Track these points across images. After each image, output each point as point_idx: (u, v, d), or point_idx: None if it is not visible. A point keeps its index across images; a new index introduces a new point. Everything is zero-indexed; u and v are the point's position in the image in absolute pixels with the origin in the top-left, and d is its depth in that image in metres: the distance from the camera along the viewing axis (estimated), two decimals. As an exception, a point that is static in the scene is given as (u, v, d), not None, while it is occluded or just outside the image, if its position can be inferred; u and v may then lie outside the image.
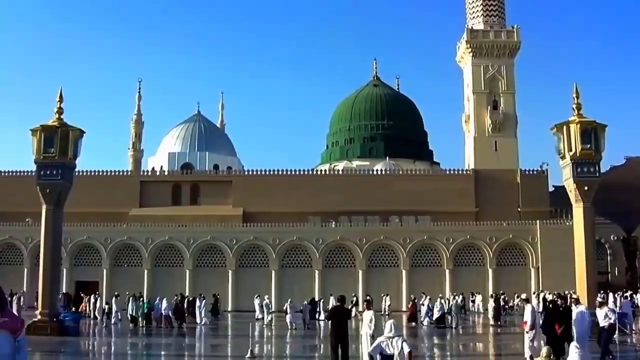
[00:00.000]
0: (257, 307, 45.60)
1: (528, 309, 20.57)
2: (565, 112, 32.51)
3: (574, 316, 18.72)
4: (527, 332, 19.97)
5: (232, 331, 39.67)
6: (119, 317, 39.39)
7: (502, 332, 36.76)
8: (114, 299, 40.98)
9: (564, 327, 19.17)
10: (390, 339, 12.86)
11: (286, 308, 37.77)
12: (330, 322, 18.99)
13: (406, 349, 12.53)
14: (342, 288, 53.23)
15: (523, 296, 24.04)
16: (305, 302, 40.23)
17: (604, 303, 22.36)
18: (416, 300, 44.33)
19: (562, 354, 18.49)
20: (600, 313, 21.38)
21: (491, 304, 43.06)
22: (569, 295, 28.61)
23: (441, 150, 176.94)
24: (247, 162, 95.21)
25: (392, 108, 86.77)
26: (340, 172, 74.65)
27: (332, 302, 22.97)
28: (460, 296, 49.45)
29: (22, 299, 45.39)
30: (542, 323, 19.96)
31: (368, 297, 34.98)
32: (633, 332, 31.31)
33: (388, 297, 51.08)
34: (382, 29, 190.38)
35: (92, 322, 41.65)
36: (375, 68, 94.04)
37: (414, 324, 40.95)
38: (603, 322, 20.91)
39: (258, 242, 59.22)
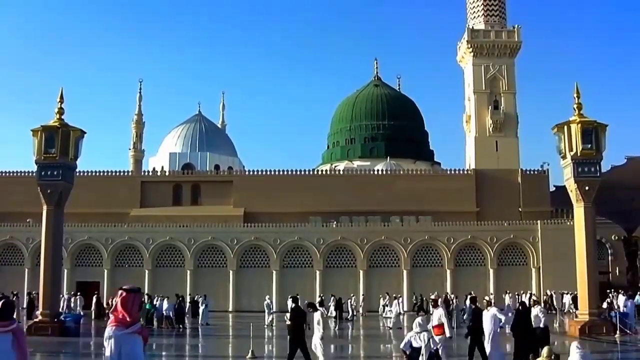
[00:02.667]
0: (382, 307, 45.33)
1: (437, 313, 18.70)
2: (566, 112, 32.57)
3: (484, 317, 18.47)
4: (447, 336, 18.24)
5: (233, 331, 39.68)
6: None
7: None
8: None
9: (471, 328, 19.14)
10: (418, 334, 14.83)
11: (330, 307, 37.54)
12: (290, 323, 19.26)
13: (432, 344, 14.53)
14: (343, 288, 53.44)
15: (432, 296, 22.23)
16: (306, 302, 40.18)
17: (537, 302, 21.73)
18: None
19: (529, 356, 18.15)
20: (532, 313, 20.82)
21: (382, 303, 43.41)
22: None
23: (442, 150, 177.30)
24: (248, 162, 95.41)
25: (393, 108, 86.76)
26: (341, 172, 74.61)
27: (290, 303, 23.39)
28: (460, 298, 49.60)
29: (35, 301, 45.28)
30: (511, 326, 19.46)
31: (321, 297, 35.07)
32: (634, 332, 31.25)
33: (387, 297, 50.97)
34: (383, 29, 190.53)
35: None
36: (376, 68, 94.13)
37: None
38: (535, 324, 20.36)
39: (259, 242, 59.21)
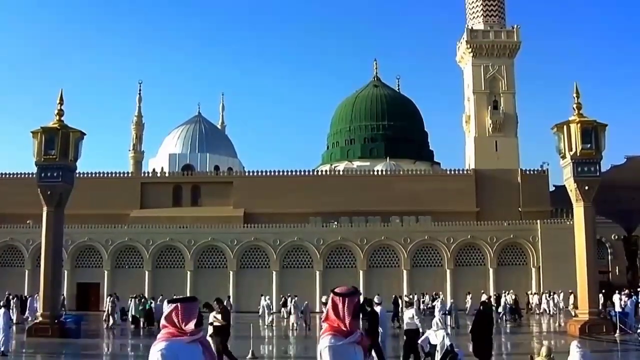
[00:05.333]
0: (292, 308, 45.19)
1: (408, 313, 18.93)
2: (566, 112, 32.61)
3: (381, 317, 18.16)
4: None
5: (232, 332, 39.62)
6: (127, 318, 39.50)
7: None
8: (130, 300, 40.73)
9: (367, 330, 18.89)
10: (435, 332, 15.69)
11: (290, 308, 37.51)
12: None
13: (447, 342, 15.02)
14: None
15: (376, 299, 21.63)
16: (306, 302, 40.23)
17: (410, 304, 21.11)
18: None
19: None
20: (406, 315, 20.06)
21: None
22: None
23: (442, 150, 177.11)
24: (248, 163, 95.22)
25: (393, 108, 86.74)
26: (341, 173, 74.60)
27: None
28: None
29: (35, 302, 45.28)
30: (471, 327, 19.11)
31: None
32: (635, 331, 31.27)
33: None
34: (383, 29, 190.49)
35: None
36: (376, 68, 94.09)
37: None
38: (408, 325, 19.39)
39: (259, 242, 59.23)
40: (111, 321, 38.84)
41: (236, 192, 68.15)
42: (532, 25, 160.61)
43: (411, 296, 45.44)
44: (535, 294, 54.23)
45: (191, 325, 5.22)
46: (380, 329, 18.22)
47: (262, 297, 47.11)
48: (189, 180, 71.07)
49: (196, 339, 5.30)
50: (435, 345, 15.72)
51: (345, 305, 5.50)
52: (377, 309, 18.37)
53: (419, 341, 16.48)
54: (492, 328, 19.52)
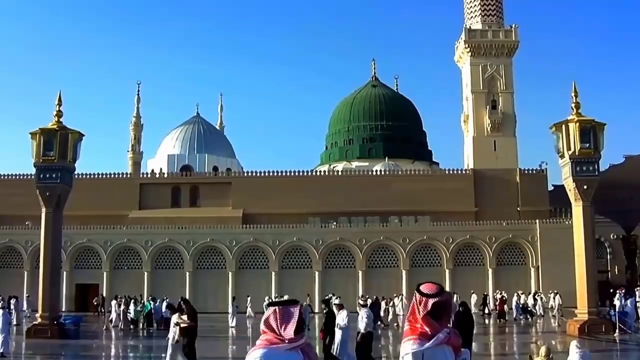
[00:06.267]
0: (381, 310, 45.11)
1: (342, 314, 18.20)
2: (564, 111, 32.60)
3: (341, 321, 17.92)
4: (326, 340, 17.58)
5: (232, 332, 39.65)
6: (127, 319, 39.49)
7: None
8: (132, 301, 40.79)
9: (324, 332, 18.75)
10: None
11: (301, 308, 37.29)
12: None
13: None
14: (342, 289, 53.36)
15: (331, 299, 20.80)
16: (306, 303, 40.24)
17: (364, 306, 20.55)
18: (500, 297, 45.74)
19: None
20: (358, 317, 19.43)
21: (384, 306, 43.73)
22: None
23: (440, 150, 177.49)
24: (247, 164, 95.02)
25: (391, 108, 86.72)
26: (340, 173, 74.57)
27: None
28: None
29: (24, 303, 45.35)
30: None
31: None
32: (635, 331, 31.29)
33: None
34: (381, 29, 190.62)
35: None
36: (374, 68, 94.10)
37: (502, 320, 43.51)
38: (360, 326, 18.87)
39: (258, 243, 59.21)
40: (115, 322, 39.03)
41: (235, 193, 68.12)
42: (531, 25, 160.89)
43: (366, 297, 44.98)
44: (522, 293, 54.38)
45: (290, 331, 4.79)
46: (339, 330, 18.15)
47: (264, 298, 47.10)
48: (188, 181, 71.04)
49: (297, 347, 4.83)
50: None
51: (428, 306, 5.08)
52: (343, 312, 18.22)
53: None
54: (472, 330, 19.42)
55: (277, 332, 4.79)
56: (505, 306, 45.93)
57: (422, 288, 5.19)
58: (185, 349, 18.49)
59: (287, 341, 4.75)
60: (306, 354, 4.88)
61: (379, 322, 38.81)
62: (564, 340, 27.73)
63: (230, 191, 68.35)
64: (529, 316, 45.85)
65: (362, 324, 18.30)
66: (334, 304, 19.93)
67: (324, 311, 20.71)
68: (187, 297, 51.29)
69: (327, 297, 25.19)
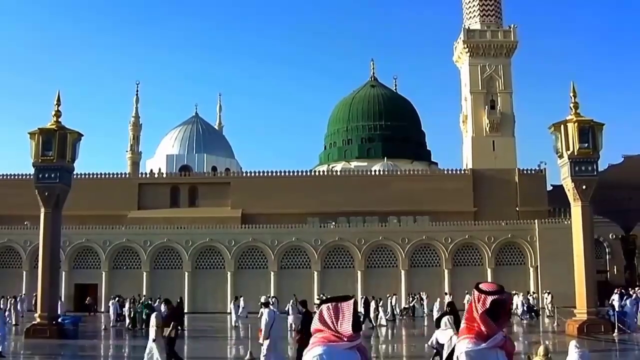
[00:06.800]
0: (289, 309, 45.01)
1: (265, 313, 17.64)
2: (563, 111, 32.61)
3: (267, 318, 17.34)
4: (262, 342, 17.20)
5: (231, 333, 39.66)
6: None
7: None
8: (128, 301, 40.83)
9: (301, 334, 18.32)
10: (443, 331, 15.69)
11: (288, 309, 37.16)
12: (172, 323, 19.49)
13: (454, 341, 14.62)
14: (341, 289, 53.30)
15: (262, 299, 19.56)
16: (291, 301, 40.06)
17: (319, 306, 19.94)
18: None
19: None
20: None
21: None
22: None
23: (439, 150, 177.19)
24: (246, 164, 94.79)
25: (390, 108, 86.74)
26: (339, 173, 74.57)
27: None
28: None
29: (19, 303, 45.29)
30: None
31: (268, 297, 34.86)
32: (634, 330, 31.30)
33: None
34: (379, 29, 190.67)
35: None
36: (373, 69, 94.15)
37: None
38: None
39: (257, 243, 59.18)
40: (113, 322, 39.07)
41: (234, 193, 68.11)
42: (529, 25, 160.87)
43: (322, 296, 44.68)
44: (516, 294, 54.49)
45: (348, 327, 4.56)
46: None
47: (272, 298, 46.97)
48: (187, 181, 71.01)
49: (355, 345, 4.61)
50: (443, 345, 15.83)
51: (486, 303, 4.88)
52: (266, 309, 17.80)
53: (428, 343, 16.63)
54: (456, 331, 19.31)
55: (334, 328, 4.59)
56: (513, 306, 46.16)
57: (482, 286, 5.06)
58: (169, 344, 18.47)
59: (345, 339, 4.55)
60: (363, 353, 4.70)
61: (370, 323, 38.93)
62: (563, 340, 27.72)
63: (229, 191, 68.34)
64: (534, 315, 46.02)
65: None
66: (315, 304, 19.81)
67: (302, 312, 20.71)
68: (186, 297, 51.58)
69: (321, 297, 25.13)
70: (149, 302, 39.89)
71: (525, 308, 46.47)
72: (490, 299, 4.88)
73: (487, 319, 4.82)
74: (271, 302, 19.68)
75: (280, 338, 17.88)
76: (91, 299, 53.97)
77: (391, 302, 47.80)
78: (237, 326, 40.37)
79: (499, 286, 5.04)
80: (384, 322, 41.96)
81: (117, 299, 42.87)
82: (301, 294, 46.22)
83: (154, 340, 18.38)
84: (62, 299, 46.11)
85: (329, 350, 4.49)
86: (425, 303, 50.98)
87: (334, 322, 4.57)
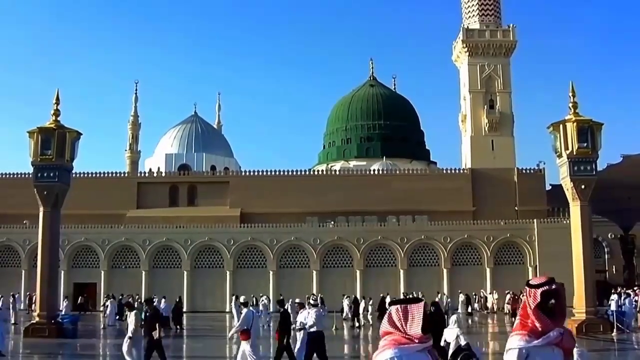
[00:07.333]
0: (345, 307, 45.13)
1: (243, 314, 17.39)
2: (562, 111, 32.58)
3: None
4: (246, 341, 16.98)
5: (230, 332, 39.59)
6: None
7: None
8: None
9: (280, 332, 18.56)
10: (450, 329, 15.57)
11: (287, 308, 37.14)
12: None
13: (462, 341, 14.87)
14: (340, 288, 53.41)
15: (241, 299, 19.26)
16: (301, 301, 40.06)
17: (314, 305, 19.55)
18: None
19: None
20: (300, 317, 18.70)
21: (347, 304, 44.34)
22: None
23: (438, 149, 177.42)
24: (244, 163, 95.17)
25: (389, 108, 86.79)
26: (338, 172, 74.61)
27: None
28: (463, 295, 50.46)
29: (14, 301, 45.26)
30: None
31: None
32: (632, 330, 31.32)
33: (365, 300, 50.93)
34: (379, 28, 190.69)
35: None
36: (372, 68, 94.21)
37: (515, 319, 42.42)
38: (310, 327, 17.99)
39: (255, 242, 59.18)
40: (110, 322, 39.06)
41: (233, 192, 68.11)
42: (528, 25, 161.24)
43: (317, 297, 44.22)
44: (490, 293, 54.98)
45: (418, 329, 4.45)
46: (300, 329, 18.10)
47: (261, 297, 47.07)
48: (186, 180, 71.00)
49: (426, 348, 4.51)
50: (449, 343, 15.89)
51: (537, 297, 4.67)
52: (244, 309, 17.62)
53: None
54: (442, 331, 19.30)
55: (403, 330, 4.50)
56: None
57: (531, 281, 4.85)
58: (154, 344, 18.41)
59: (416, 341, 4.46)
60: (434, 356, 4.59)
61: (356, 322, 38.96)
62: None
63: (228, 190, 68.35)
64: None
65: (310, 324, 17.87)
66: (296, 303, 19.77)
67: (280, 311, 20.69)
68: (185, 296, 51.53)
69: (313, 298, 25.17)
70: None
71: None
72: (539, 291, 4.69)
73: (540, 314, 4.64)
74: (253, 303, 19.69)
75: (258, 338, 17.81)
76: (83, 298, 53.98)
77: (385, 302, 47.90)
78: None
79: (548, 278, 4.80)
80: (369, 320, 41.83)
81: (115, 298, 42.78)
82: (301, 294, 46.27)
83: (130, 338, 18.36)
84: (67, 299, 45.93)
85: (401, 353, 4.40)
86: None
87: (403, 324, 4.49)
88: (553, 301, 4.61)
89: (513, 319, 43.80)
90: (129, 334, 18.58)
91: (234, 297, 48.04)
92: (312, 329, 17.73)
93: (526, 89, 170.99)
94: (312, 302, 19.21)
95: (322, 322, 18.53)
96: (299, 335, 18.35)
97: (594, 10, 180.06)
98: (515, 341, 4.65)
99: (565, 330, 4.69)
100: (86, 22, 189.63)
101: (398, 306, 4.53)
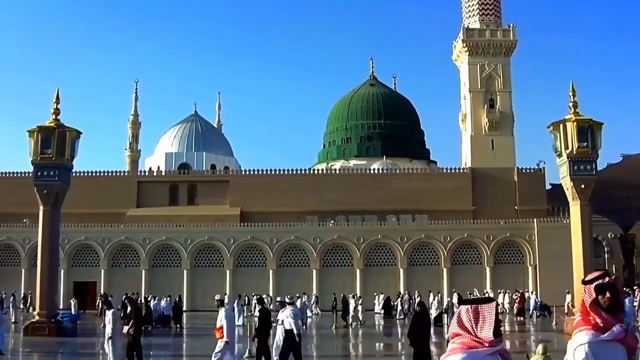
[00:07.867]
0: (351, 307, 44.98)
1: (222, 313, 16.94)
2: (562, 111, 32.59)
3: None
4: (225, 342, 16.58)
5: (239, 331, 39.60)
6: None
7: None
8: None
9: (258, 331, 18.61)
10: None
11: (268, 306, 37.04)
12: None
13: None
14: (339, 287, 53.33)
15: (217, 297, 18.35)
16: (303, 301, 40.18)
17: (290, 304, 18.37)
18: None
19: None
20: (281, 316, 18.48)
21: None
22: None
23: (438, 149, 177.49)
24: (244, 162, 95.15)
25: (389, 107, 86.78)
26: (338, 172, 74.62)
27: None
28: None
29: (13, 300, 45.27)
30: (408, 331, 18.21)
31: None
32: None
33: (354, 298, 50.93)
34: (379, 28, 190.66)
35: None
36: (372, 67, 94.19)
37: (521, 318, 43.54)
38: (285, 325, 18.01)
39: (255, 241, 59.19)
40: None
41: (233, 191, 68.12)
42: (529, 24, 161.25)
43: (289, 296, 43.51)
44: (528, 292, 54.67)
45: (489, 332, 4.22)
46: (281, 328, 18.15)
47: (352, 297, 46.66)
48: (186, 179, 71.01)
49: (496, 351, 4.28)
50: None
51: (592, 292, 4.51)
52: (222, 310, 17.08)
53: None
54: (429, 331, 19.11)
55: (473, 333, 4.26)
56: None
57: (586, 278, 4.69)
58: (133, 343, 18.39)
59: (487, 344, 4.22)
60: (505, 358, 4.36)
61: (344, 321, 38.96)
62: (561, 338, 27.74)
63: (228, 189, 68.35)
64: (546, 313, 46.19)
65: (286, 323, 17.87)
66: (279, 302, 19.79)
67: (259, 309, 20.74)
68: (185, 295, 51.51)
69: (261, 296, 25.28)
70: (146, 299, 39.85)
71: (538, 305, 47.05)
72: (593, 286, 4.53)
73: (598, 309, 4.48)
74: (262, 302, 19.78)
75: (234, 338, 17.77)
76: (75, 298, 53.90)
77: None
78: (239, 325, 40.32)
79: (602, 271, 4.68)
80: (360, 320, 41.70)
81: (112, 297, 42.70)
82: (301, 293, 46.36)
83: (109, 338, 18.31)
84: (74, 299, 45.56)
85: (469, 357, 4.21)
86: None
87: (474, 326, 4.27)
88: (609, 295, 4.48)
89: (517, 318, 43.83)
90: (108, 334, 18.49)
91: (237, 297, 48.05)
92: (287, 327, 17.78)
93: (526, 88, 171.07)
94: (287, 300, 19.14)
95: (298, 320, 18.47)
96: (278, 332, 18.47)
97: (594, 10, 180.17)
98: (582, 336, 4.49)
99: (628, 326, 4.55)
100: (86, 22, 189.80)
101: (468, 306, 4.31)
